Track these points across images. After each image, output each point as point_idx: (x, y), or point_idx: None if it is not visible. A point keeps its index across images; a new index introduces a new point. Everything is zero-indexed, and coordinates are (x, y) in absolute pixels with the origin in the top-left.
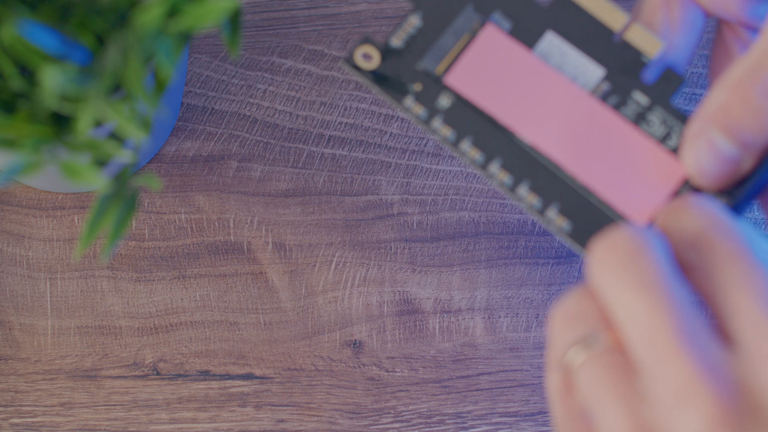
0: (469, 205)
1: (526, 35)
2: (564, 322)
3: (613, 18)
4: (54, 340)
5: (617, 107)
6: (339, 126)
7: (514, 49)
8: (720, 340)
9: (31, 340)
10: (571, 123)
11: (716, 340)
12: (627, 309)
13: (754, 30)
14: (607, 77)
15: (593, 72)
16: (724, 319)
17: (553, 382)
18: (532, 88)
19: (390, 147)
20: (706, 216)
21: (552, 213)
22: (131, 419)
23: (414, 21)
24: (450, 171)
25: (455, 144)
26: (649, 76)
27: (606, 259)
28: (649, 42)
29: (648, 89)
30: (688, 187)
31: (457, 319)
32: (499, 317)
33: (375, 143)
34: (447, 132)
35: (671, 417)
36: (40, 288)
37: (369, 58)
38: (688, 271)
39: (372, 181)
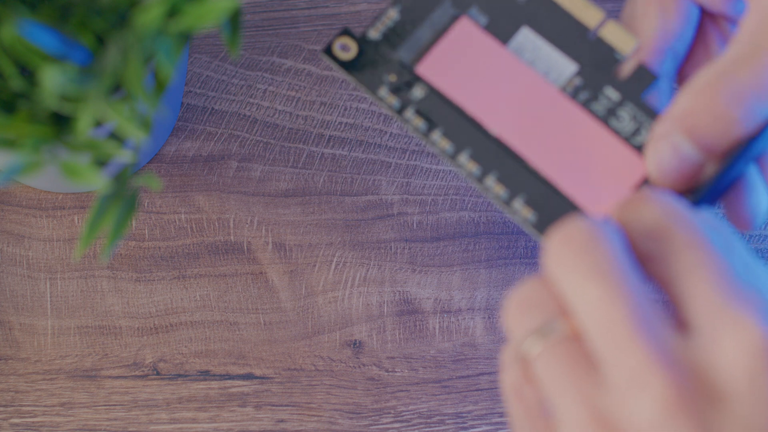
0: (469, 205)
1: (502, 30)
2: (519, 311)
3: (589, 15)
4: (54, 340)
5: (588, 102)
6: (339, 126)
7: (486, 42)
8: (675, 325)
9: (31, 340)
10: (538, 117)
11: (671, 326)
12: (582, 297)
13: (735, 23)
14: (580, 72)
15: (566, 67)
16: (680, 305)
17: (508, 377)
18: (502, 81)
19: (390, 147)
20: (665, 207)
21: (518, 204)
22: (131, 419)
23: (392, 14)
24: (450, 171)
25: (426, 134)
26: (620, 71)
27: (561, 249)
28: (624, 39)
29: (620, 85)
30: (649, 183)
31: (457, 319)
32: (499, 317)
33: (375, 143)
34: (419, 122)
35: (626, 402)
36: (40, 288)
37: (347, 49)
38: (647, 261)
39: (372, 181)
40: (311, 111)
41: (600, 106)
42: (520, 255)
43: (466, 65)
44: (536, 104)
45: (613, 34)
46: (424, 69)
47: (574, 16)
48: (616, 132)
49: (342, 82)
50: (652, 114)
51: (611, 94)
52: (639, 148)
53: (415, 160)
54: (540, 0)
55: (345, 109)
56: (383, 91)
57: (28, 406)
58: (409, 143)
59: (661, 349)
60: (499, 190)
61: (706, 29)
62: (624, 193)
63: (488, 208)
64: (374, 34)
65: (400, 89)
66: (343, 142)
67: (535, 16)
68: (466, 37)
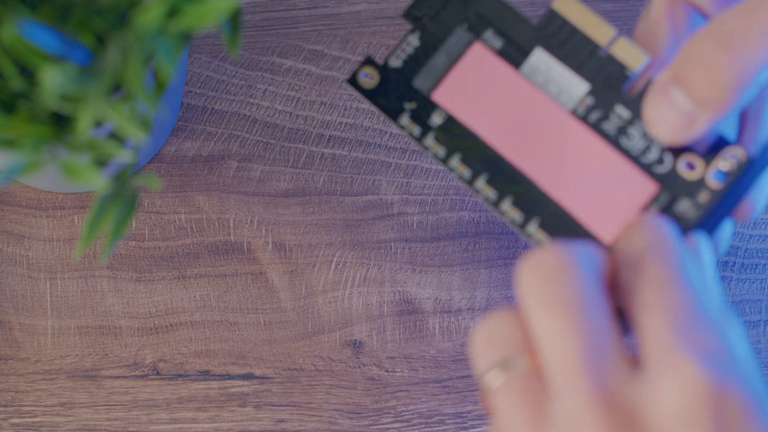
0: (469, 205)
1: (516, 52)
2: (486, 342)
3: (601, 32)
4: (54, 340)
5: (599, 121)
6: (339, 126)
7: (499, 67)
8: (629, 362)
9: (31, 340)
10: (549, 141)
11: (624, 362)
12: (541, 328)
13: None
14: (591, 92)
15: (578, 87)
16: (638, 341)
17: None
18: (514, 105)
19: (390, 147)
20: (648, 236)
21: (532, 228)
22: (131, 419)
23: (412, 41)
24: None
25: (445, 161)
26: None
27: (528, 277)
28: (634, 55)
29: (630, 103)
30: (656, 204)
31: (457, 319)
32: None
33: (375, 143)
34: (438, 149)
35: None
36: (40, 288)
37: (370, 77)
38: (625, 292)
39: (372, 181)
40: (311, 111)
41: (611, 125)
42: (520, 255)
43: (481, 91)
44: (547, 128)
45: (624, 51)
46: (439, 96)
47: (586, 35)
48: (627, 151)
49: (342, 81)
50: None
51: (622, 112)
52: (648, 167)
53: (415, 160)
54: (553, 19)
55: (345, 109)
56: (404, 119)
57: (28, 406)
58: (409, 143)
59: (603, 387)
60: (515, 214)
61: None
62: (631, 213)
63: (488, 208)
64: (395, 61)
65: (419, 116)
66: (343, 142)
67: (548, 35)
68: (480, 62)
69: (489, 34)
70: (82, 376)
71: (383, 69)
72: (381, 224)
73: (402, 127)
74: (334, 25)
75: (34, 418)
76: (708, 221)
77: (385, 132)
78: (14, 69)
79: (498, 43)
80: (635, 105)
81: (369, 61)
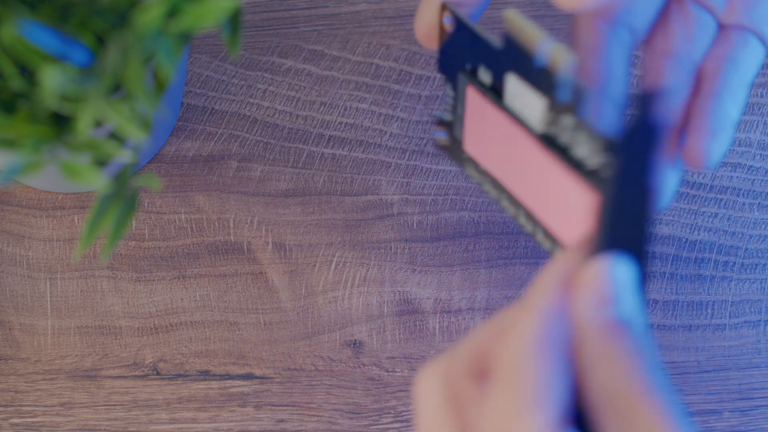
0: (469, 205)
1: (499, 82)
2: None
3: (535, 41)
4: (54, 340)
5: (557, 136)
6: (339, 126)
7: (485, 105)
8: None
9: (31, 340)
10: (527, 168)
11: None
12: None
13: (700, 4)
14: (548, 107)
15: (539, 104)
16: None
17: None
18: (503, 139)
19: (390, 147)
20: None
21: (540, 236)
22: (131, 419)
23: (449, 92)
24: (450, 171)
25: (498, 201)
26: (562, 95)
27: (413, 401)
28: (561, 56)
29: (570, 109)
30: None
31: (457, 319)
32: None
33: (375, 143)
34: (493, 193)
35: None
36: (40, 288)
37: (443, 134)
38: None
39: (372, 181)
40: (311, 111)
41: (565, 137)
42: (520, 255)
43: (484, 132)
44: (523, 156)
45: (556, 55)
46: (468, 147)
47: (528, 48)
48: (579, 160)
49: (342, 82)
50: (597, 131)
51: (568, 121)
52: (594, 173)
53: (415, 160)
54: (507, 40)
55: (345, 109)
56: (469, 169)
57: (28, 406)
58: (409, 143)
59: None
60: (547, 244)
61: (670, 15)
62: (581, 224)
63: (488, 208)
64: (447, 115)
65: (475, 164)
66: (343, 142)
67: (512, 58)
68: (476, 104)
69: (482, 70)
70: (82, 376)
71: (448, 125)
72: (381, 224)
73: (469, 177)
74: (334, 25)
75: (34, 418)
76: (609, 244)
77: (385, 132)
78: (14, 69)
79: (489, 77)
80: (575, 111)
81: (438, 121)
